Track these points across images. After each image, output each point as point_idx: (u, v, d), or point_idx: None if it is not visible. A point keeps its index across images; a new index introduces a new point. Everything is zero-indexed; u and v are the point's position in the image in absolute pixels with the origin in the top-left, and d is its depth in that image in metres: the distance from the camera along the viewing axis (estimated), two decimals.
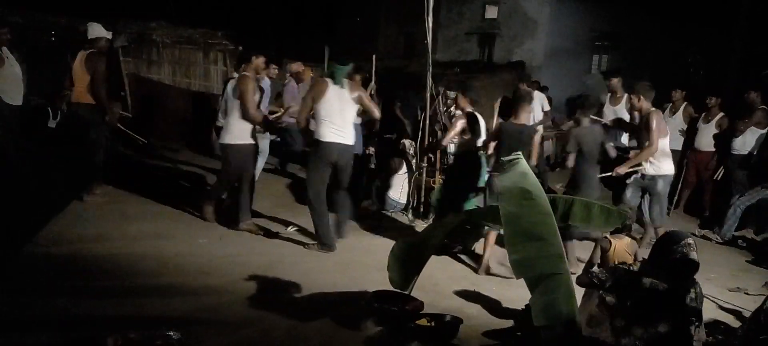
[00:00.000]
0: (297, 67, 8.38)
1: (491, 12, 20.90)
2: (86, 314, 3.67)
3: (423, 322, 3.74)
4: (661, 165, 5.84)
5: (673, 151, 8.05)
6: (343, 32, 22.88)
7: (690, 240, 3.33)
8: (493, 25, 20.73)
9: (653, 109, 5.86)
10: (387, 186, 7.17)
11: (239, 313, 3.90)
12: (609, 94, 7.82)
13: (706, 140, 7.81)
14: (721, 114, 7.76)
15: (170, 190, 6.93)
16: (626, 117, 7.13)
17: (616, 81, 7.73)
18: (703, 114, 7.92)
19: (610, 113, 7.51)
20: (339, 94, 5.18)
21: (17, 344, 3.24)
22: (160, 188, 6.92)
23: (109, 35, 6.43)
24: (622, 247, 4.15)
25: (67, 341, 3.29)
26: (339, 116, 5.18)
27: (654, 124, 5.68)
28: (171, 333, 3.24)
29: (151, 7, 12.25)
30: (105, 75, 6.09)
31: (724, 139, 7.62)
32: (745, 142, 7.31)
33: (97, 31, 6.26)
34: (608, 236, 4.24)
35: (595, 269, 3.85)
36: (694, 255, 3.31)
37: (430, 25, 6.67)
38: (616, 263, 3.91)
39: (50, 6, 10.63)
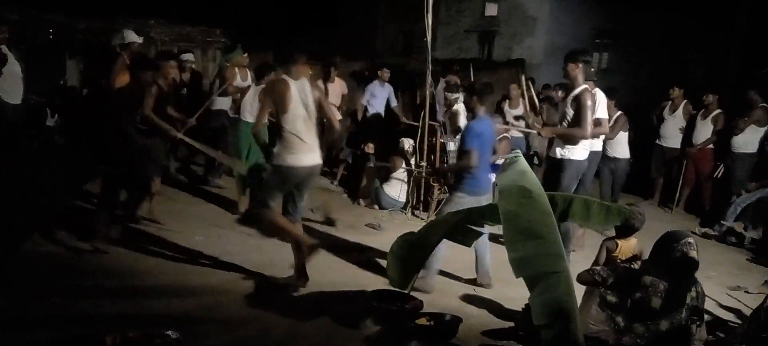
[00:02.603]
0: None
1: (491, 9, 20.85)
2: (85, 312, 3.67)
3: (422, 321, 3.75)
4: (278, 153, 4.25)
5: (673, 149, 8.13)
6: (342, 30, 22.85)
7: (690, 239, 3.32)
8: (493, 23, 20.68)
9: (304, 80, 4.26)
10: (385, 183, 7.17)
11: (238, 312, 3.90)
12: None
13: (703, 136, 7.79)
14: (718, 111, 7.73)
15: (168, 188, 6.92)
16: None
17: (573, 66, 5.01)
18: (702, 111, 7.90)
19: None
20: None
21: (16, 342, 3.23)
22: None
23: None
24: (628, 248, 4.09)
25: (66, 339, 3.29)
26: None
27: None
28: (170, 332, 3.25)
29: (149, 5, 12.20)
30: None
31: (723, 137, 7.60)
32: (745, 141, 7.28)
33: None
34: (615, 237, 4.20)
35: (597, 266, 3.84)
36: (694, 254, 3.30)
37: (430, 22, 6.65)
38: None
39: (48, 4, 10.59)
